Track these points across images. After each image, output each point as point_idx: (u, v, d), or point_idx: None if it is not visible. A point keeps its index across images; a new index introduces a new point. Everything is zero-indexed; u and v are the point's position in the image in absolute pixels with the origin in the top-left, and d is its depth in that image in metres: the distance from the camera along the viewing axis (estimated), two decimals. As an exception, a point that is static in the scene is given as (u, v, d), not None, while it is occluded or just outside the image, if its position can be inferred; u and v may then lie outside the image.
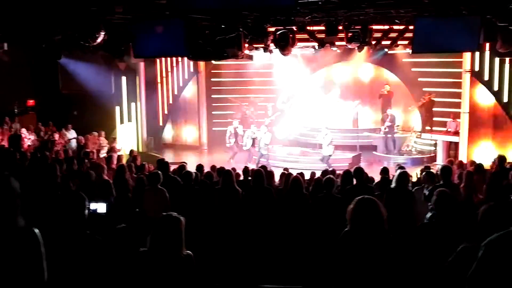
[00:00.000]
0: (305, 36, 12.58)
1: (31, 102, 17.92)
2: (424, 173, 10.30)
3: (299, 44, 13.66)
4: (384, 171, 9.80)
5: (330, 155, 16.76)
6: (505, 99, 16.11)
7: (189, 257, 3.99)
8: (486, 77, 16.46)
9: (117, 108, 19.39)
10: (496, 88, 16.31)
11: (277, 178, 11.20)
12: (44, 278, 3.45)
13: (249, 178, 9.34)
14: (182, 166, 10.13)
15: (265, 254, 7.07)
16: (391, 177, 9.12)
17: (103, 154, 15.71)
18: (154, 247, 3.93)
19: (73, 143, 16.47)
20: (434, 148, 18.04)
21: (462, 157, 16.25)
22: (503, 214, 3.91)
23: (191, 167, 10.56)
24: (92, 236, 4.14)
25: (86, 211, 4.22)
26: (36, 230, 3.40)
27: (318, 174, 11.39)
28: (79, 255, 4.03)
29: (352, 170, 8.65)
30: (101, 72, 17.64)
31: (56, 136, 16.16)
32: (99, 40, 10.89)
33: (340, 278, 4.33)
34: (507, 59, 15.37)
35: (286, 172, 10.99)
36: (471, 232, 4.17)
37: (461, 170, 10.98)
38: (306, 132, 20.38)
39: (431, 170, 10.66)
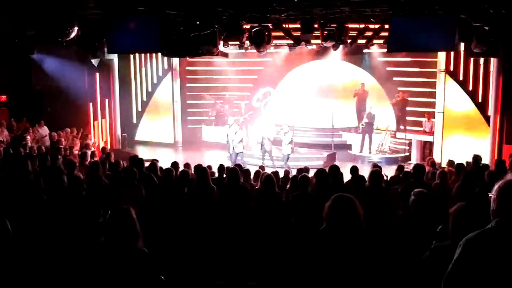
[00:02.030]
0: (281, 33, 12.55)
1: (3, 97, 17.61)
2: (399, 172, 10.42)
3: (275, 41, 13.64)
4: (353, 170, 9.77)
5: (289, 155, 16.65)
6: (480, 99, 16.28)
7: (142, 252, 3.93)
8: (461, 77, 16.63)
9: (91, 105, 19.13)
10: (471, 88, 16.48)
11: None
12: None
13: (224, 176, 9.26)
14: (153, 164, 10.02)
15: (238, 252, 7.02)
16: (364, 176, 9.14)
17: (76, 151, 15.50)
18: (108, 237, 3.90)
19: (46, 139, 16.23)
20: (409, 148, 18.17)
21: (436, 156, 16.40)
22: (475, 213, 3.92)
23: (166, 165, 10.45)
24: None
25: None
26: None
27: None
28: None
29: (327, 168, 8.64)
30: (74, 68, 17.37)
31: (30, 132, 15.92)
32: (72, 35, 10.70)
33: (315, 276, 4.30)
34: (482, 59, 15.53)
35: (261, 170, 10.92)
36: (443, 231, 4.18)
37: (433, 169, 11.10)
38: (278, 130, 20.37)
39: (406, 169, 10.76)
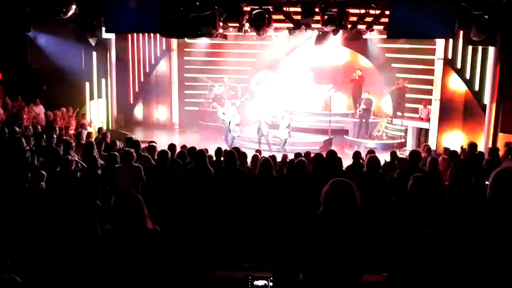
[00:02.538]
0: (281, 17, 12.48)
1: (-2, 75, 17.51)
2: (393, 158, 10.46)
3: (275, 25, 13.57)
4: (356, 156, 9.82)
5: (286, 139, 16.68)
6: (477, 88, 16.30)
7: (155, 232, 3.98)
8: (459, 65, 16.64)
9: (87, 84, 19.03)
10: (468, 76, 16.49)
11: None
12: None
13: (222, 159, 9.27)
14: (151, 146, 10.02)
15: (236, 234, 7.06)
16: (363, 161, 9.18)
17: (72, 130, 15.48)
18: (116, 223, 3.94)
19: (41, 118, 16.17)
20: (405, 134, 18.21)
21: (432, 143, 16.45)
22: (470, 200, 3.95)
23: (163, 146, 10.44)
24: None
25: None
26: None
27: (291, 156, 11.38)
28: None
29: (325, 153, 8.66)
30: (71, 46, 17.23)
31: (25, 110, 15.84)
32: (70, 13, 10.63)
33: (312, 260, 4.33)
34: (480, 48, 15.51)
35: (258, 154, 10.93)
36: (438, 216, 4.21)
37: (429, 155, 11.13)
38: (275, 114, 20.33)
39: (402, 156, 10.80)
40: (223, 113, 17.42)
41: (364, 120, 18.56)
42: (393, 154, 11.08)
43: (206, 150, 9.55)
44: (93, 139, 12.10)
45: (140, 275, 3.90)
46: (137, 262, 3.89)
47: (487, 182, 3.35)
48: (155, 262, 3.95)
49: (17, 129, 12.62)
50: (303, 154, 10.60)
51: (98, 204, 4.99)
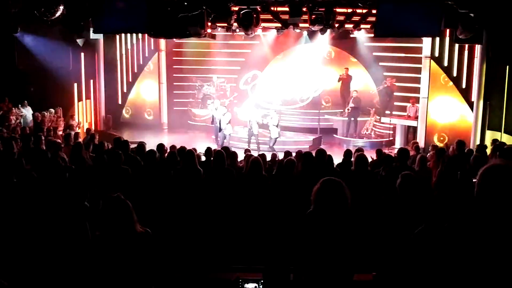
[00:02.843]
0: (269, 16, 12.50)
1: (-15, 77, 17.37)
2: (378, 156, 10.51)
3: (263, 24, 13.59)
4: (347, 154, 9.87)
5: (276, 138, 16.71)
6: (464, 85, 16.43)
7: (146, 234, 3.98)
8: (446, 63, 16.75)
9: (75, 85, 18.95)
10: (455, 74, 16.61)
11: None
12: None
13: (212, 159, 9.27)
14: (140, 146, 10.00)
15: (226, 235, 7.06)
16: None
17: (60, 131, 15.40)
18: (106, 228, 3.93)
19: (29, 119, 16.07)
20: (393, 132, 18.31)
21: (420, 141, 16.53)
22: (456, 197, 3.99)
23: (152, 147, 10.42)
24: None
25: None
26: None
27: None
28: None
29: (314, 152, 8.69)
30: (59, 47, 17.15)
31: (12, 112, 15.75)
32: (57, 14, 10.57)
33: (303, 260, 4.34)
34: (466, 46, 15.65)
35: (249, 154, 10.94)
36: (427, 214, 4.24)
37: (417, 153, 11.21)
38: (265, 114, 20.38)
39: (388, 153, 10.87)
40: (215, 109, 17.35)
41: (353, 118, 18.62)
42: (379, 152, 11.15)
43: (195, 150, 9.55)
44: (81, 140, 12.06)
45: (132, 279, 3.91)
46: (129, 266, 3.89)
47: (474, 180, 3.37)
48: (146, 264, 3.96)
49: (4, 130, 12.55)
50: (293, 153, 10.63)
51: (86, 205, 4.98)
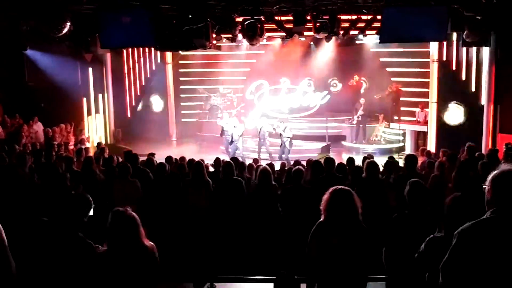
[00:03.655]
0: (273, 26, 12.52)
1: (-4, 94, 17.53)
2: (385, 163, 10.44)
3: (267, 34, 13.61)
4: (350, 162, 9.81)
5: (289, 150, 16.64)
6: (473, 89, 16.31)
7: (152, 248, 3.98)
8: (454, 67, 16.64)
9: (84, 100, 19.07)
10: (464, 77, 16.50)
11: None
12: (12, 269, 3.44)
13: (220, 169, 9.27)
14: (149, 159, 10.03)
15: (236, 245, 7.04)
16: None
17: (71, 146, 15.47)
18: (113, 242, 3.94)
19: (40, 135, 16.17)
20: (403, 138, 18.21)
21: (431, 146, 16.44)
22: (470, 204, 3.93)
23: (161, 159, 10.44)
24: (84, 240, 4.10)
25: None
26: None
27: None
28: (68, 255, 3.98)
29: (322, 160, 8.66)
30: (67, 63, 17.29)
31: (24, 128, 15.86)
32: (65, 31, 10.66)
33: (314, 268, 4.32)
34: (474, 49, 15.54)
35: (254, 164, 10.92)
36: (440, 222, 4.20)
37: (428, 159, 11.11)
38: (274, 123, 20.35)
39: (394, 160, 10.79)
40: (226, 123, 17.29)
41: (361, 125, 18.57)
42: (390, 159, 11.07)
43: (203, 160, 9.57)
44: (91, 154, 12.10)
45: None
46: (134, 280, 3.89)
47: (484, 186, 3.33)
48: (152, 278, 3.95)
49: (16, 146, 12.62)
50: (304, 162, 10.61)
51: (84, 220, 4.94)
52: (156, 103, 21.69)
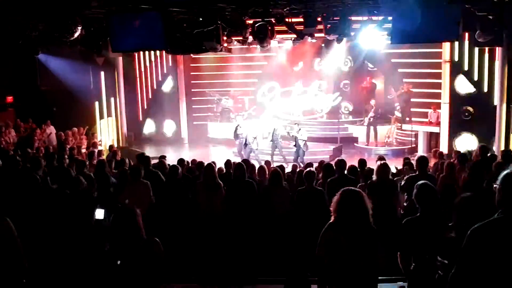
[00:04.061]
0: (284, 28, 12.51)
1: (9, 98, 17.68)
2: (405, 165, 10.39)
3: (278, 36, 13.60)
4: (362, 163, 9.79)
5: (304, 152, 16.63)
6: (485, 89, 16.21)
7: (153, 241, 4.00)
8: (466, 67, 16.55)
9: (96, 103, 19.22)
10: (476, 78, 16.40)
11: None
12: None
13: (231, 171, 9.28)
14: (161, 161, 10.06)
15: (248, 247, 7.04)
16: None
17: (84, 149, 15.57)
18: (114, 236, 3.98)
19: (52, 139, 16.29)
20: (415, 139, 18.13)
21: (443, 147, 16.34)
22: (481, 204, 3.92)
23: (172, 162, 10.48)
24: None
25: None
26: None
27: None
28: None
29: (333, 162, 8.64)
30: (79, 67, 17.44)
31: (37, 132, 15.99)
32: (76, 35, 10.71)
33: (325, 269, 4.32)
34: (486, 49, 15.44)
35: (265, 166, 10.92)
36: (451, 223, 4.19)
37: (441, 160, 11.06)
38: (287, 125, 20.36)
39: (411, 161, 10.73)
40: (239, 127, 17.29)
41: (372, 126, 18.50)
42: (407, 161, 11.01)
43: (214, 163, 9.58)
44: (104, 157, 12.17)
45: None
46: (137, 274, 3.90)
47: (495, 185, 3.32)
48: (155, 272, 3.96)
49: (29, 150, 12.72)
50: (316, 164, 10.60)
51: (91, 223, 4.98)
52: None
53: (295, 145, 16.34)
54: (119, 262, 3.88)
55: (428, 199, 4.71)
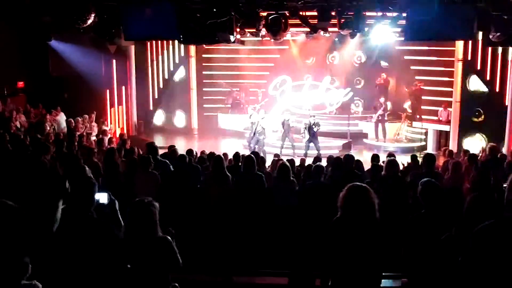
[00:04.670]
0: (298, 21, 12.47)
1: (20, 84, 17.75)
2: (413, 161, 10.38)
3: (292, 29, 13.56)
4: (375, 159, 9.79)
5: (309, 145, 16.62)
6: (497, 89, 16.11)
7: (164, 239, 4.00)
8: (479, 66, 16.45)
9: (108, 91, 19.25)
10: (488, 77, 16.30)
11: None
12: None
13: (240, 164, 9.29)
14: (174, 150, 10.08)
15: (254, 239, 7.05)
16: (381, 164, 9.12)
17: (93, 137, 15.62)
18: (129, 231, 3.99)
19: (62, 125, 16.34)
20: (425, 137, 18.07)
21: (453, 146, 16.28)
22: (489, 203, 3.91)
23: (182, 152, 10.50)
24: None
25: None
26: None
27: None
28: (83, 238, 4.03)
29: (342, 157, 8.64)
30: (91, 54, 17.47)
31: (47, 118, 16.05)
32: (89, 22, 10.75)
33: (330, 265, 4.32)
34: (500, 48, 15.32)
35: (277, 158, 10.94)
36: (457, 221, 4.18)
37: (451, 159, 11.03)
38: (297, 119, 20.33)
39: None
40: (252, 116, 17.21)
41: (380, 124, 18.42)
42: (414, 158, 11.00)
43: (225, 155, 9.60)
44: (114, 145, 12.22)
45: (149, 282, 3.93)
46: (147, 269, 3.92)
47: (505, 185, 3.31)
48: (165, 269, 3.98)
49: (39, 136, 12.79)
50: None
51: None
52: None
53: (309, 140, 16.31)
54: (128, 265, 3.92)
55: (432, 197, 4.72)
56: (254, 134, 16.62)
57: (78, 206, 4.15)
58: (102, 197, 5.69)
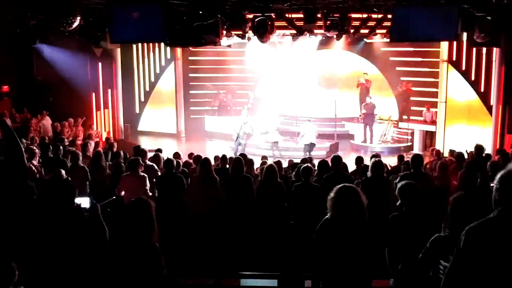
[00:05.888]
0: (284, 23, 12.50)
1: (5, 88, 17.59)
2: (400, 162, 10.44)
3: (278, 31, 13.59)
4: (359, 161, 9.84)
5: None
6: (482, 89, 16.25)
7: (155, 247, 3.98)
8: (464, 67, 16.58)
9: (93, 95, 19.13)
10: (473, 77, 16.44)
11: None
12: None
13: (227, 166, 9.28)
14: (157, 155, 10.04)
15: (243, 241, 7.06)
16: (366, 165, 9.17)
17: (79, 141, 15.52)
18: (125, 231, 3.96)
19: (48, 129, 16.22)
20: (411, 137, 18.17)
21: (439, 146, 16.37)
22: (475, 203, 3.93)
23: (169, 155, 10.46)
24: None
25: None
26: None
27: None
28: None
29: (329, 158, 8.66)
30: (76, 57, 17.34)
31: (32, 122, 15.93)
32: (75, 25, 10.71)
33: (320, 266, 4.33)
34: (484, 49, 15.47)
35: (265, 160, 10.94)
36: (445, 221, 4.20)
37: (438, 159, 11.10)
38: (285, 121, 20.36)
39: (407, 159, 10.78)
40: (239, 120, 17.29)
41: (368, 125, 18.49)
42: (401, 158, 11.07)
43: (217, 157, 9.57)
44: (101, 149, 12.15)
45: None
46: (139, 273, 3.90)
47: (492, 184, 3.33)
48: (156, 274, 3.96)
49: (24, 141, 12.68)
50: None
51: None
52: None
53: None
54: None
55: (409, 196, 4.76)
56: (237, 138, 16.64)
57: (57, 207, 4.12)
58: (83, 201, 5.66)
